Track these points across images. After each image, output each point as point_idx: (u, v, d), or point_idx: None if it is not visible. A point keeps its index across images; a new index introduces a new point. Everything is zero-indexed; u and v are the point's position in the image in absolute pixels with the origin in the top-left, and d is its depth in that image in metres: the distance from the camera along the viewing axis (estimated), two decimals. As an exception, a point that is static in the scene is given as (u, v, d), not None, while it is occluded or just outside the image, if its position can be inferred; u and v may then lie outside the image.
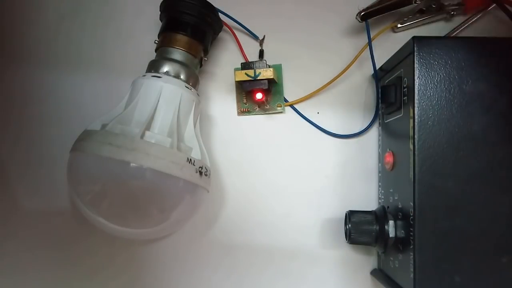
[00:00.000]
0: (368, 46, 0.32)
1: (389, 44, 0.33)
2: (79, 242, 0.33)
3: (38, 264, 0.34)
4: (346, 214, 0.30)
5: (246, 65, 0.31)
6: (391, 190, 0.29)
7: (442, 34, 0.34)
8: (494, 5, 0.33)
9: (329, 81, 0.33)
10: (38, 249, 0.34)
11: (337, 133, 0.33)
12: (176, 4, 0.30)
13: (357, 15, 0.32)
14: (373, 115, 0.33)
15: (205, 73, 0.34)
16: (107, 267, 0.33)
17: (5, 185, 0.34)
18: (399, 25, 0.34)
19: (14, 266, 0.34)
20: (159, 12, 0.31)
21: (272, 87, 0.33)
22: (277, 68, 0.34)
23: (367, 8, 0.32)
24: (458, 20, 0.34)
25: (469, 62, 0.25)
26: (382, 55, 0.31)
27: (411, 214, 0.25)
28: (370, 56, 0.32)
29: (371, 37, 0.32)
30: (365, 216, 0.29)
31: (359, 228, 0.29)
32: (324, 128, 0.33)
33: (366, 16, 0.31)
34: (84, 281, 0.33)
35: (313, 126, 0.34)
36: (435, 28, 0.34)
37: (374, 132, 0.33)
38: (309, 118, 0.34)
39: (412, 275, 0.24)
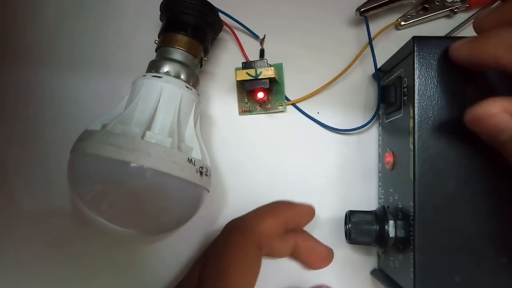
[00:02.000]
0: (369, 45, 0.32)
1: (392, 42, 0.33)
2: (79, 242, 0.33)
3: (37, 264, 0.34)
4: (346, 214, 0.30)
5: (247, 65, 0.31)
6: (391, 190, 0.29)
7: (446, 32, 0.33)
8: (499, 1, 0.33)
9: (330, 80, 0.33)
10: (38, 249, 0.34)
11: (337, 128, 0.33)
12: (176, 4, 0.30)
13: (356, 10, 0.32)
14: (373, 114, 0.33)
15: (206, 73, 0.34)
16: (107, 267, 0.33)
17: (5, 185, 0.34)
18: (402, 23, 0.33)
19: (14, 266, 0.34)
20: (159, 12, 0.31)
21: (273, 86, 0.33)
22: (278, 67, 0.34)
23: (366, 3, 0.32)
24: (461, 17, 0.34)
25: (470, 62, 0.24)
26: (385, 53, 0.31)
27: (411, 214, 0.25)
28: (371, 54, 0.32)
29: (374, 35, 0.32)
30: (365, 216, 0.29)
31: (359, 228, 0.29)
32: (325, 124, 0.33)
33: (365, 11, 0.32)
34: (83, 281, 0.33)
35: (314, 126, 0.34)
36: (439, 26, 0.34)
37: (374, 131, 0.33)
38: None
39: (412, 275, 0.24)
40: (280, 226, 0.28)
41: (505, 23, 0.23)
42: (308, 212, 0.31)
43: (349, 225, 0.29)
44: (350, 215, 0.29)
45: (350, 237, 0.29)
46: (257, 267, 0.26)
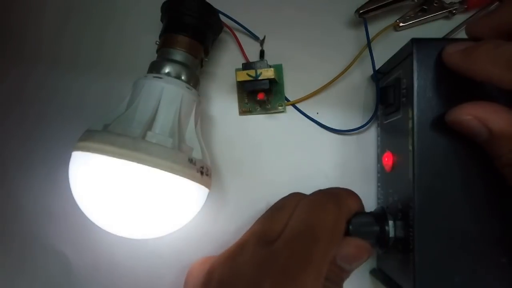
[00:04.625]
0: (368, 47, 0.32)
1: (391, 43, 0.33)
2: (79, 242, 0.33)
3: (38, 264, 0.34)
4: None
5: (247, 66, 0.32)
6: (391, 191, 0.29)
7: (445, 33, 0.34)
8: (497, 2, 0.33)
9: (329, 81, 0.33)
10: (38, 249, 0.34)
11: (336, 128, 0.33)
12: (177, 6, 0.30)
13: (355, 12, 0.32)
14: (371, 115, 0.33)
15: (206, 73, 0.35)
16: (107, 267, 0.33)
17: (5, 185, 0.34)
18: (401, 24, 0.34)
19: (14, 266, 0.34)
20: (160, 13, 0.32)
21: (273, 87, 0.34)
22: (278, 68, 0.34)
23: (365, 4, 0.32)
24: (460, 18, 0.34)
25: (468, 63, 0.24)
26: (384, 54, 0.31)
27: (411, 215, 0.25)
28: (370, 56, 0.32)
29: (373, 36, 0.32)
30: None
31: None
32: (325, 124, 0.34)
33: (364, 13, 0.32)
34: (83, 281, 0.34)
35: (313, 126, 0.34)
36: (438, 27, 0.34)
37: (373, 132, 0.33)
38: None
39: (411, 275, 0.24)
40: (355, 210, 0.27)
41: (496, 30, 0.23)
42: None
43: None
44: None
45: None
46: (339, 240, 0.25)
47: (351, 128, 0.33)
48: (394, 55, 0.28)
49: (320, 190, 0.27)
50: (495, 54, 0.22)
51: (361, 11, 0.32)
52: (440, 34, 0.34)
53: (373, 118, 0.33)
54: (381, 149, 0.32)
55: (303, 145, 0.34)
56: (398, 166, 0.28)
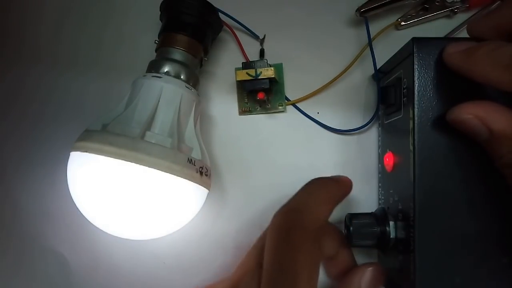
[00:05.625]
0: (369, 47, 0.32)
1: (392, 42, 0.33)
2: (77, 243, 0.33)
3: (36, 265, 0.34)
4: (345, 217, 0.29)
5: (247, 65, 0.31)
6: (391, 191, 0.29)
7: (446, 32, 0.33)
8: (499, 1, 0.33)
9: (330, 80, 0.33)
10: (36, 250, 0.34)
11: (337, 128, 0.33)
12: (176, 4, 0.30)
13: (356, 11, 0.32)
14: (372, 115, 0.33)
15: (206, 73, 0.34)
16: (105, 268, 0.33)
17: (3, 185, 0.34)
18: (402, 23, 0.33)
19: (12, 267, 0.34)
20: (159, 12, 0.31)
21: (273, 86, 0.33)
22: (278, 67, 0.34)
23: (366, 3, 0.32)
24: (462, 17, 0.34)
25: (469, 63, 0.24)
26: (385, 53, 0.31)
27: (412, 215, 0.25)
28: (371, 55, 0.32)
29: (374, 35, 0.32)
30: (365, 219, 0.28)
31: (361, 232, 0.28)
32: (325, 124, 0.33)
33: (365, 12, 0.32)
34: (82, 282, 0.34)
35: (313, 126, 0.34)
36: (439, 26, 0.34)
37: (374, 132, 0.33)
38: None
39: (412, 276, 0.24)
40: (332, 209, 0.26)
41: (496, 29, 0.23)
42: (348, 185, 0.28)
43: (351, 229, 0.28)
44: (351, 219, 0.29)
45: (352, 242, 0.28)
46: (319, 264, 0.24)
47: (352, 128, 0.33)
48: (395, 54, 0.28)
49: (279, 214, 0.25)
50: (494, 56, 0.21)
51: (362, 10, 0.32)
52: (441, 33, 0.33)
53: (374, 117, 0.32)
54: (382, 149, 0.32)
55: (303, 145, 0.34)
56: (399, 166, 0.28)
